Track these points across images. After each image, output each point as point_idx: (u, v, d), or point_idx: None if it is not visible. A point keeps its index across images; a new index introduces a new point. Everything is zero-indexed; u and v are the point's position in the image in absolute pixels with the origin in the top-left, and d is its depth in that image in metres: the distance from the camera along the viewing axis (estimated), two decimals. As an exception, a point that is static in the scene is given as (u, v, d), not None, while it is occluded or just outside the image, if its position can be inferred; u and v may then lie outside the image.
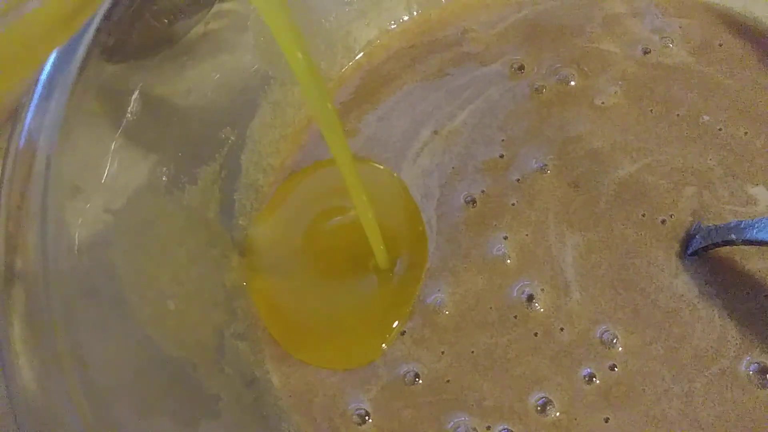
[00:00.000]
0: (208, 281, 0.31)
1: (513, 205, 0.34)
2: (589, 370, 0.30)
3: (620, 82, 0.37)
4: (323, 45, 0.38)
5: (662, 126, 0.35)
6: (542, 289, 0.31)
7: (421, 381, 0.30)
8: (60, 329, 0.23)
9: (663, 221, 0.33)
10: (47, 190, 0.25)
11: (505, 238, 0.33)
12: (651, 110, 0.36)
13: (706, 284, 0.31)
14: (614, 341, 0.30)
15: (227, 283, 0.32)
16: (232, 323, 0.31)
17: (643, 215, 0.33)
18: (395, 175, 0.36)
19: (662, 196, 0.33)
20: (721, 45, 0.38)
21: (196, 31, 0.34)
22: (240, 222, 0.34)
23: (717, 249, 0.31)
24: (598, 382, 0.29)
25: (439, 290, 0.32)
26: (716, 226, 0.31)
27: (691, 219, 0.33)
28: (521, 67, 0.38)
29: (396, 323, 0.32)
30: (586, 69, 0.37)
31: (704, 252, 0.31)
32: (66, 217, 0.26)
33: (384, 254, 0.32)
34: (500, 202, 0.34)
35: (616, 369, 0.30)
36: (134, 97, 0.30)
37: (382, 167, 0.36)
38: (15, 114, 0.27)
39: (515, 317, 0.31)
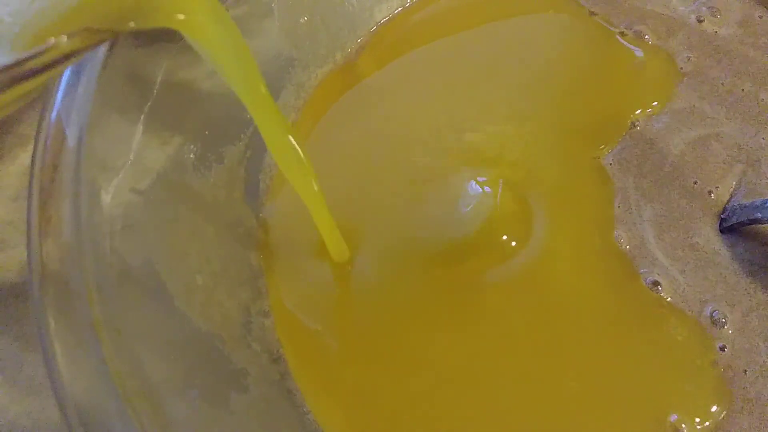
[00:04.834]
0: (234, 259, 0.31)
1: (610, 165, 0.34)
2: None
3: (690, 49, 0.37)
4: (346, 28, 0.38)
5: (731, 100, 0.36)
6: (658, 274, 0.31)
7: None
8: (94, 298, 0.23)
9: (710, 192, 0.33)
10: (79, 164, 0.25)
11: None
12: (722, 83, 0.36)
13: (763, 245, 0.31)
14: (724, 320, 0.30)
15: (253, 262, 0.32)
16: (257, 300, 0.31)
17: (695, 183, 0.33)
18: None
19: (717, 166, 0.34)
20: (761, 17, 0.38)
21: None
22: (265, 202, 0.34)
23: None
24: (713, 371, 0.29)
25: None
26: (741, 204, 0.32)
27: (728, 196, 0.33)
28: (593, 13, 0.39)
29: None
30: (661, 29, 0.38)
31: (739, 228, 0.32)
32: (98, 191, 0.26)
33: (339, 242, 0.30)
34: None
35: (725, 350, 0.29)
36: (159, 79, 0.31)
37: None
38: (45, 94, 0.27)
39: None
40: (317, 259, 0.33)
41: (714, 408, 0.28)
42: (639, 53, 0.37)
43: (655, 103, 0.35)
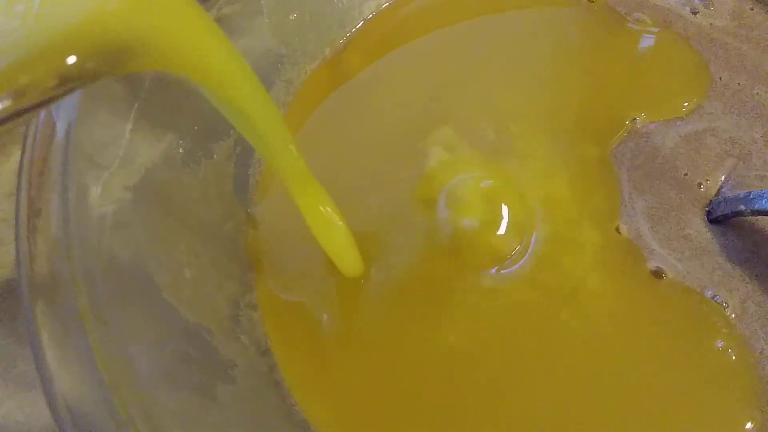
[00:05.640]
0: (223, 253, 0.32)
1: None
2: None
3: (690, 41, 0.37)
4: (335, 24, 0.38)
5: (728, 95, 0.36)
6: (660, 263, 0.31)
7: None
8: (81, 290, 0.23)
9: (699, 184, 0.33)
10: (68, 159, 0.26)
11: None
12: (720, 77, 0.36)
13: (752, 234, 0.32)
14: (725, 305, 0.30)
15: (242, 255, 0.32)
16: (246, 293, 0.31)
17: (686, 174, 0.33)
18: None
19: (709, 159, 0.34)
20: (752, 9, 0.38)
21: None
22: (255, 198, 0.35)
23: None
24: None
25: None
26: (726, 197, 0.32)
27: (717, 188, 0.33)
28: (591, 0, 0.39)
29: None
30: (658, 20, 0.38)
31: (726, 220, 0.32)
32: (87, 185, 0.26)
33: (354, 256, 0.30)
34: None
35: None
36: (149, 75, 0.31)
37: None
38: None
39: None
40: (306, 253, 0.33)
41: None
42: (650, 41, 0.37)
43: (687, 104, 0.35)
